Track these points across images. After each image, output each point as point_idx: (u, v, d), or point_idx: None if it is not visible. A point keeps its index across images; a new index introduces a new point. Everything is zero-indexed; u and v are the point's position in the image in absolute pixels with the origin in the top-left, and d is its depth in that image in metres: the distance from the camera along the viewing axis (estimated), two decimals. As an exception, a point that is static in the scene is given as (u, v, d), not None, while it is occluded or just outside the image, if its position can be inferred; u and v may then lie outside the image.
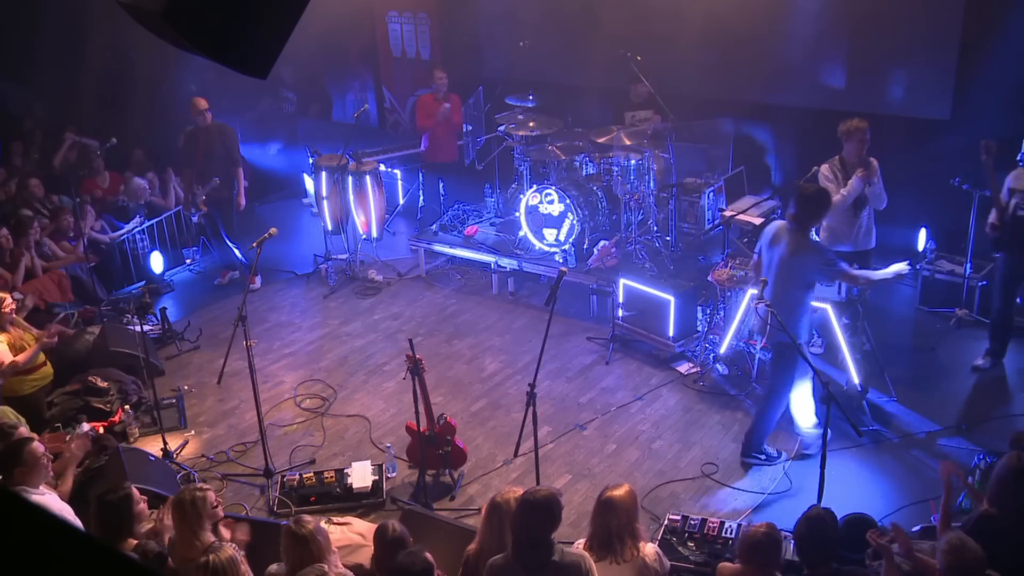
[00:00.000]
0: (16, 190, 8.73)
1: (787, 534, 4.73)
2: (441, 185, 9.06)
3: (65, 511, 4.35)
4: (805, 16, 7.98)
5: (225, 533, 4.19)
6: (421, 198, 9.27)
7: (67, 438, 5.53)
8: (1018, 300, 6.50)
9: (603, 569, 3.76)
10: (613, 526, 3.83)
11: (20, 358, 5.95)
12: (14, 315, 6.16)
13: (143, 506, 4.18)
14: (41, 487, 4.47)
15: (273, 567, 3.90)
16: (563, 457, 5.92)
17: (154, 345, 7.40)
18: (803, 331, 5.36)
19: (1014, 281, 6.35)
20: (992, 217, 6.21)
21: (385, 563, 3.83)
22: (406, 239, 9.24)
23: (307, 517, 3.87)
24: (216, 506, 4.09)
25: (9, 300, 6.10)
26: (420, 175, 9.29)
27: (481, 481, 5.73)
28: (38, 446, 4.45)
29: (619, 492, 3.88)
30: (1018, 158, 6.74)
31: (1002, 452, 5.17)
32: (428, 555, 3.62)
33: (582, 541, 3.95)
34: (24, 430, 5.21)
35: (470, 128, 9.81)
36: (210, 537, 3.93)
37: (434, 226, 8.85)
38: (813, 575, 3.85)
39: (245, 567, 3.81)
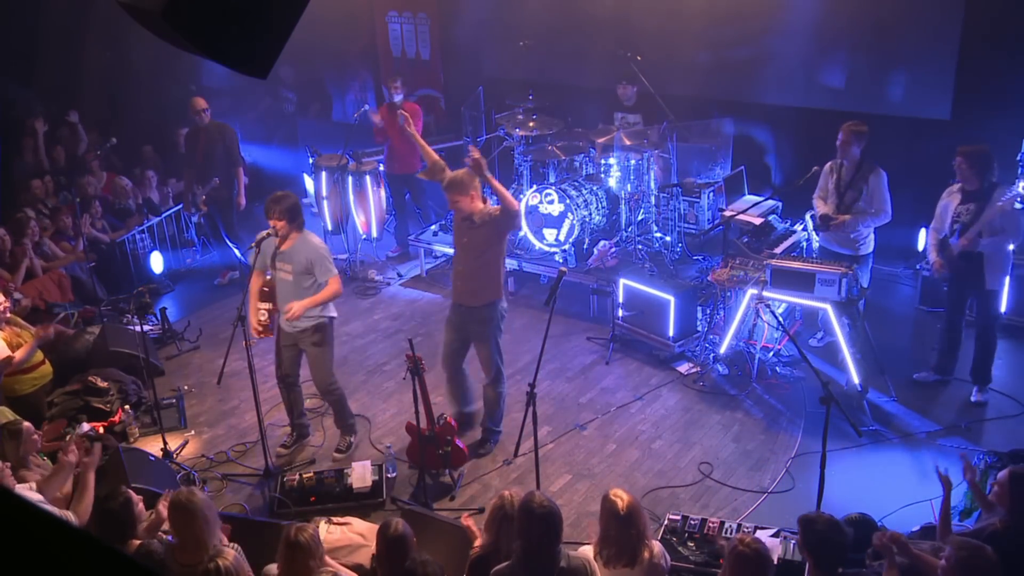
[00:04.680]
0: (18, 191, 8.73)
1: (787, 534, 4.74)
2: (407, 196, 9.03)
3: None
4: (805, 16, 7.98)
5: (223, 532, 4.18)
6: (384, 204, 9.06)
7: (67, 437, 5.52)
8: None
9: (619, 573, 3.76)
10: (639, 530, 3.81)
11: (17, 355, 5.94)
12: (8, 314, 6.15)
13: (141, 507, 4.18)
14: (32, 484, 4.50)
15: (271, 567, 3.89)
16: (563, 457, 5.92)
17: (154, 345, 7.40)
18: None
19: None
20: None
21: (386, 561, 3.82)
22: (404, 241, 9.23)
23: (307, 526, 3.86)
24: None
25: (2, 298, 6.09)
26: (384, 182, 8.97)
27: (481, 481, 5.73)
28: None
29: (629, 499, 3.83)
30: (1018, 158, 6.75)
31: (1000, 452, 5.20)
32: (433, 559, 3.62)
33: (589, 548, 3.92)
34: (31, 426, 5.21)
35: (470, 129, 9.81)
36: (214, 539, 3.91)
37: (434, 226, 8.87)
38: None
39: (246, 565, 3.81)
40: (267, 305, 5.64)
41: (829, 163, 6.54)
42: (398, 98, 8.67)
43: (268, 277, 5.67)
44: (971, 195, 5.94)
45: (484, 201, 5.72)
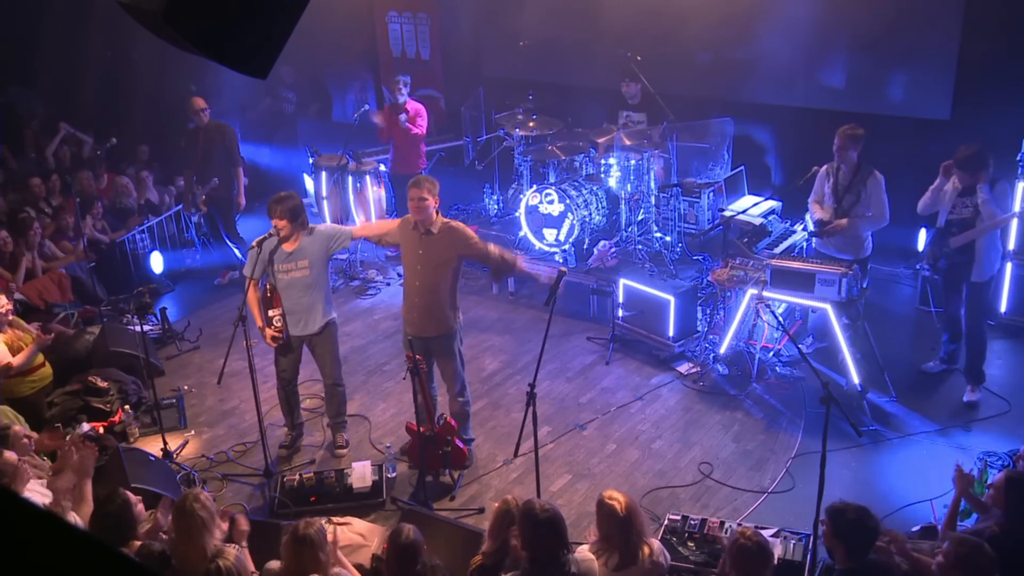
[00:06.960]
0: (18, 190, 8.73)
1: (787, 534, 4.74)
2: None
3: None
4: (805, 16, 7.98)
5: (223, 527, 4.17)
6: (385, 204, 8.94)
7: (67, 437, 5.51)
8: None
9: (620, 573, 3.77)
10: (639, 529, 3.81)
11: (17, 359, 5.92)
12: (11, 316, 6.14)
13: (140, 507, 4.15)
14: (44, 480, 4.50)
15: (273, 563, 3.89)
16: (563, 457, 5.92)
17: (154, 345, 7.39)
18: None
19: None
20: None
21: (396, 567, 3.80)
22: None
23: (314, 520, 3.85)
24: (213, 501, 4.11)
25: (4, 301, 6.09)
26: (387, 182, 8.85)
27: (481, 481, 5.73)
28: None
29: (625, 499, 3.83)
30: (1018, 158, 6.75)
31: (999, 452, 5.20)
32: (442, 564, 3.62)
33: (587, 546, 3.92)
34: (21, 429, 5.20)
35: (470, 129, 9.80)
36: (217, 540, 3.91)
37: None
38: (849, 567, 3.74)
39: (249, 562, 3.81)
40: (278, 311, 5.64)
41: (825, 166, 6.50)
42: (401, 99, 8.60)
43: (267, 284, 5.65)
44: (970, 190, 5.96)
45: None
